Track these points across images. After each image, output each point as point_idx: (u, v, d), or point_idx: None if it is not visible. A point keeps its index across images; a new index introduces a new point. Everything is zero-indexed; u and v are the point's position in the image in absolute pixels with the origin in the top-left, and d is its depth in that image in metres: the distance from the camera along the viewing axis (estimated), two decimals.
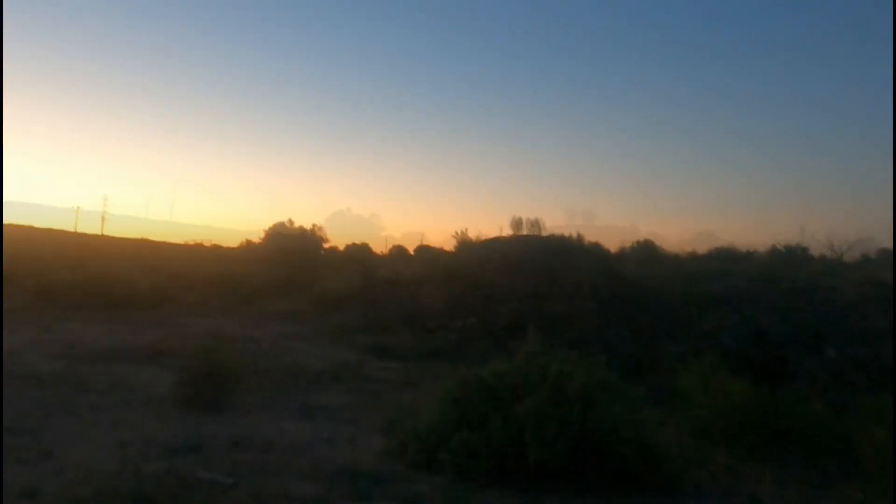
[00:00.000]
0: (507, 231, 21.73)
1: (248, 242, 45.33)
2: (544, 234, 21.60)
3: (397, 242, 47.37)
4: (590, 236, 30.41)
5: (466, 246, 22.81)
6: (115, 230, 68.81)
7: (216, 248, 50.60)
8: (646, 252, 37.26)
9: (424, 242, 43.67)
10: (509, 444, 5.92)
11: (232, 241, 54.06)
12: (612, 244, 34.51)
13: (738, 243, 38.97)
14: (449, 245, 28.87)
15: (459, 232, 25.10)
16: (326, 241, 43.64)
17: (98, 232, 66.80)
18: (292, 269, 30.34)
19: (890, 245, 31.88)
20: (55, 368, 9.53)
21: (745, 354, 11.64)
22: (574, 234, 27.40)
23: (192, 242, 53.51)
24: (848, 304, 16.08)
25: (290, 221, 42.37)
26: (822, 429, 7.53)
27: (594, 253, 26.21)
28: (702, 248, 34.46)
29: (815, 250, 33.31)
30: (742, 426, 7.80)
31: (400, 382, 10.60)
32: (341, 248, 46.17)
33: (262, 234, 42.57)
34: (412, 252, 43.47)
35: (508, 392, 6.42)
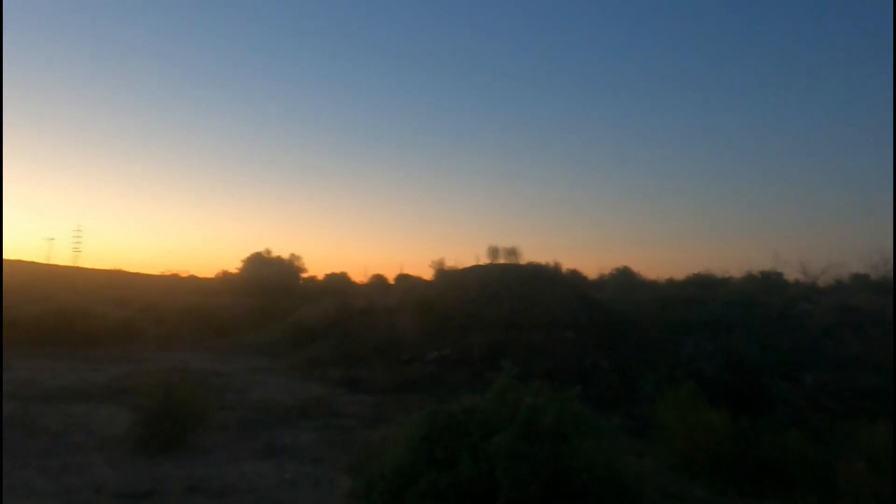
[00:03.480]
0: (484, 260, 21.58)
1: (225, 273, 44.64)
2: (521, 262, 21.48)
3: (375, 272, 46.94)
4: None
5: (443, 275, 22.60)
6: (87, 261, 67.63)
7: (192, 279, 49.78)
8: (623, 279, 37.34)
9: (404, 271, 43.35)
10: (479, 484, 5.64)
11: (208, 272, 53.35)
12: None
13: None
14: (428, 274, 28.68)
15: (436, 261, 24.95)
16: (305, 270, 43.16)
17: (71, 263, 65.57)
18: (269, 299, 29.88)
19: (862, 270, 32.22)
20: (6, 410, 9.07)
21: (723, 382, 11.47)
22: (551, 262, 27.40)
23: (168, 273, 52.65)
24: (823, 329, 16.07)
25: (268, 251, 41.87)
26: (800, 459, 7.36)
27: (571, 280, 26.17)
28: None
29: (789, 276, 33.59)
30: (720, 459, 7.61)
31: (372, 417, 10.25)
32: (320, 277, 45.73)
33: (240, 264, 41.95)
34: (392, 281, 43.17)
35: (479, 428, 6.15)
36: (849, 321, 16.19)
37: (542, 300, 15.55)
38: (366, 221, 78.13)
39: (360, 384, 12.82)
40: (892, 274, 31.40)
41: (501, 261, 21.32)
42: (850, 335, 15.07)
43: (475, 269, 20.09)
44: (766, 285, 33.10)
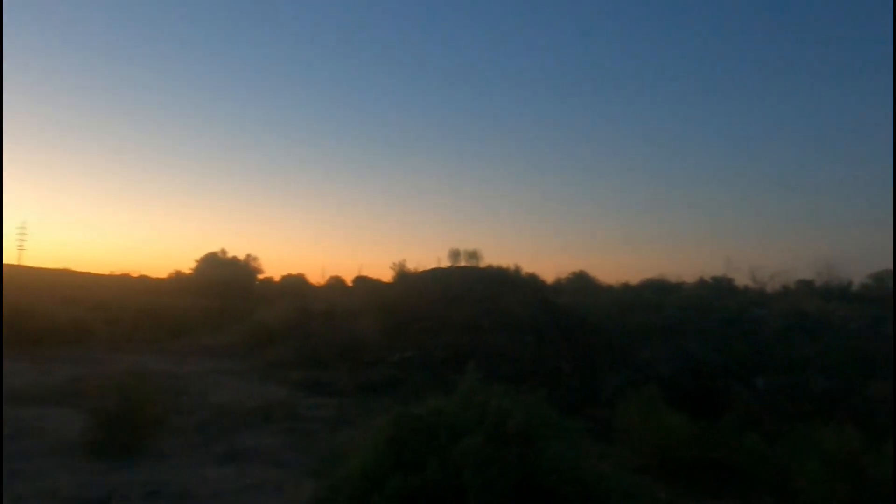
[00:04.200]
0: (446, 262, 21.59)
1: (178, 273, 43.60)
2: (482, 265, 21.56)
3: (332, 274, 46.46)
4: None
5: (405, 277, 22.54)
6: (33, 260, 65.37)
7: (144, 279, 48.50)
8: (581, 283, 37.88)
9: (363, 273, 43.02)
10: (447, 488, 5.63)
11: (161, 272, 52.06)
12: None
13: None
14: (387, 276, 28.57)
15: (397, 263, 24.85)
16: (262, 271, 42.48)
17: (15, 261, 63.21)
18: (225, 300, 29.32)
19: (808, 276, 33.37)
20: None
21: (681, 385, 11.74)
22: (512, 266, 27.58)
23: (118, 272, 51.20)
24: (774, 333, 16.58)
25: (224, 251, 41.09)
26: (758, 460, 7.56)
27: (531, 284, 26.38)
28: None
29: (740, 281, 34.57)
30: (682, 460, 7.77)
31: (335, 420, 10.14)
32: (277, 278, 45.09)
33: (194, 264, 41.04)
34: (350, 283, 42.82)
35: (446, 431, 6.14)
36: (799, 326, 16.75)
37: (504, 303, 15.66)
38: (323, 222, 77.18)
39: (322, 386, 12.69)
40: (836, 281, 32.68)
41: (463, 263, 21.37)
42: (800, 339, 15.57)
43: (437, 272, 20.11)
44: (718, 290, 34.00)
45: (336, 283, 44.29)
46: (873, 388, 12.21)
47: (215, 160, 76.37)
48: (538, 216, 73.51)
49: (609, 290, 35.32)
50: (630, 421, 8.35)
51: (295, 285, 42.17)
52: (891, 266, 33.41)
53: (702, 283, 36.35)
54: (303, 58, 77.32)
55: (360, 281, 40.89)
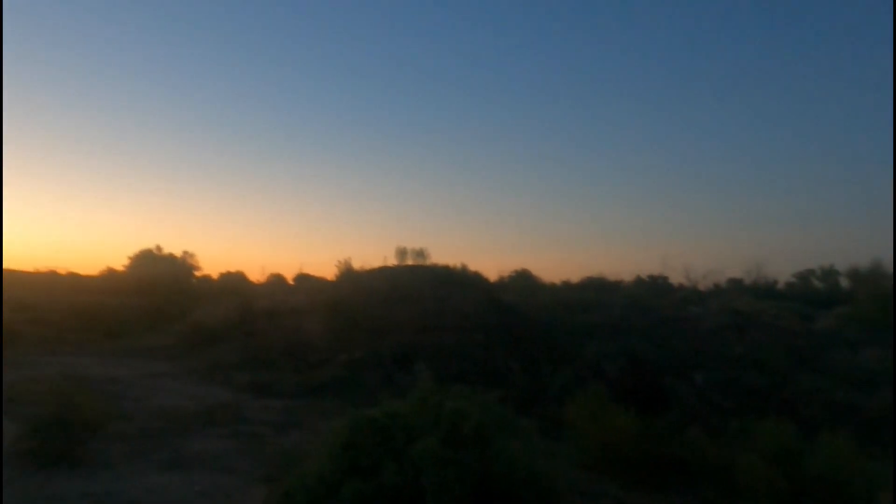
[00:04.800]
0: (392, 261, 21.47)
1: (110, 270, 41.83)
2: (429, 263, 21.56)
3: (271, 272, 45.53)
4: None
5: (350, 276, 22.29)
6: None
7: (73, 277, 46.26)
8: (524, 281, 38.32)
9: (304, 271, 42.34)
10: (404, 491, 5.60)
11: (91, 269, 49.78)
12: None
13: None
14: (330, 274, 28.21)
15: (343, 261, 24.54)
16: (199, 268, 41.24)
17: None
18: (160, 299, 28.31)
19: (738, 275, 34.84)
20: None
21: (624, 382, 12.03)
22: (458, 264, 27.68)
23: (44, 269, 48.68)
24: (710, 331, 17.20)
25: (159, 248, 39.69)
26: (701, 455, 7.81)
27: (478, 282, 26.54)
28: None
29: (675, 280, 35.77)
30: (627, 456, 7.95)
31: (283, 423, 9.94)
32: (215, 276, 43.88)
33: (126, 261, 39.48)
34: (291, 281, 42.08)
35: (402, 433, 6.11)
36: (733, 323, 17.43)
37: (452, 302, 15.69)
38: (263, 218, 75.17)
39: (268, 388, 12.41)
40: (764, 279, 34.27)
41: (410, 262, 21.31)
42: (734, 336, 16.22)
43: (383, 271, 19.98)
44: (655, 289, 35.10)
45: (277, 281, 43.45)
46: (801, 381, 12.83)
47: (149, 152, 73.37)
48: (480, 214, 73.95)
49: (551, 288, 35.89)
50: (578, 419, 8.49)
51: (234, 283, 41.13)
52: (813, 266, 35.31)
53: (639, 282, 37.42)
54: (246, 49, 75.35)
55: (303, 279, 40.25)
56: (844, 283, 31.88)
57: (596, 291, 31.75)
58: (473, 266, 39.79)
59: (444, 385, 7.21)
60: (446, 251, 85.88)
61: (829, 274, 34.68)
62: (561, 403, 9.71)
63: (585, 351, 13.87)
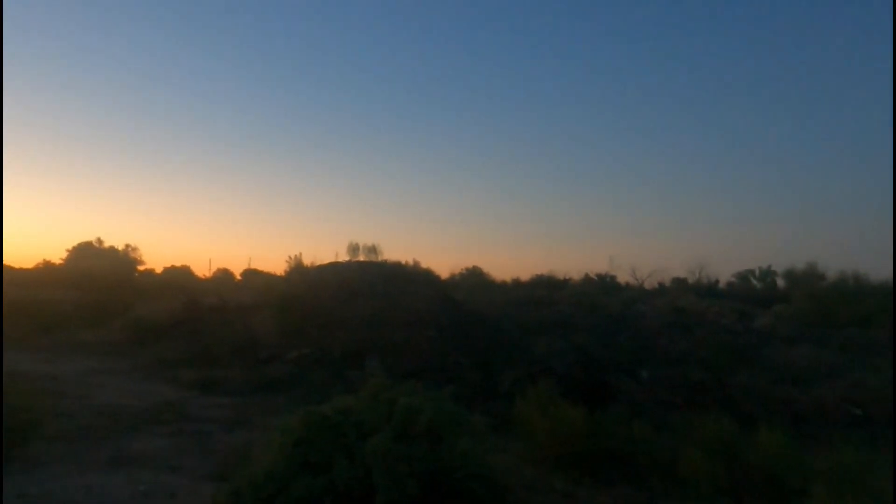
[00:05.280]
0: (343, 256, 21.28)
1: (47, 263, 40.22)
2: (381, 259, 21.46)
3: (218, 267, 44.49)
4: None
5: (300, 271, 22.00)
6: None
7: (7, 269, 44.26)
8: (474, 278, 38.58)
9: (252, 266, 41.59)
10: (356, 487, 5.59)
11: (25, 262, 47.73)
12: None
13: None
14: (280, 269, 27.75)
15: (293, 256, 24.19)
16: (142, 262, 40.08)
17: None
18: (101, 293, 27.38)
19: (681, 274, 35.94)
20: None
21: (572, 378, 12.25)
22: (410, 261, 27.67)
23: None
24: (656, 329, 17.69)
25: (100, 240, 38.39)
26: (646, 448, 8.03)
27: (429, 279, 26.58)
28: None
29: (622, 278, 36.64)
30: (576, 451, 8.12)
31: (230, 420, 9.75)
32: (159, 270, 42.69)
33: (65, 254, 38.08)
34: (239, 276, 41.30)
35: (354, 430, 6.09)
36: (678, 321, 17.97)
37: (403, 299, 15.68)
38: (210, 212, 73.29)
39: (215, 385, 12.14)
40: (706, 278, 35.42)
41: (361, 258, 21.17)
42: (678, 334, 16.72)
43: (335, 266, 19.79)
44: (603, 287, 35.84)
45: (224, 277, 42.58)
46: (741, 377, 13.32)
47: (90, 140, 70.53)
48: (434, 212, 74.04)
49: (502, 286, 36.23)
50: (527, 414, 8.63)
51: (179, 278, 40.09)
52: (752, 266, 36.68)
53: (588, 280, 38.12)
54: (194, 37, 73.35)
55: (251, 274, 39.55)
56: (781, 283, 33.19)
57: (546, 289, 32.20)
58: (425, 263, 39.84)
59: (395, 381, 7.23)
60: (399, 248, 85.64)
61: (767, 274, 36.10)
62: (511, 400, 9.82)
63: (535, 348, 14.06)
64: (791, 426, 10.85)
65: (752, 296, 32.51)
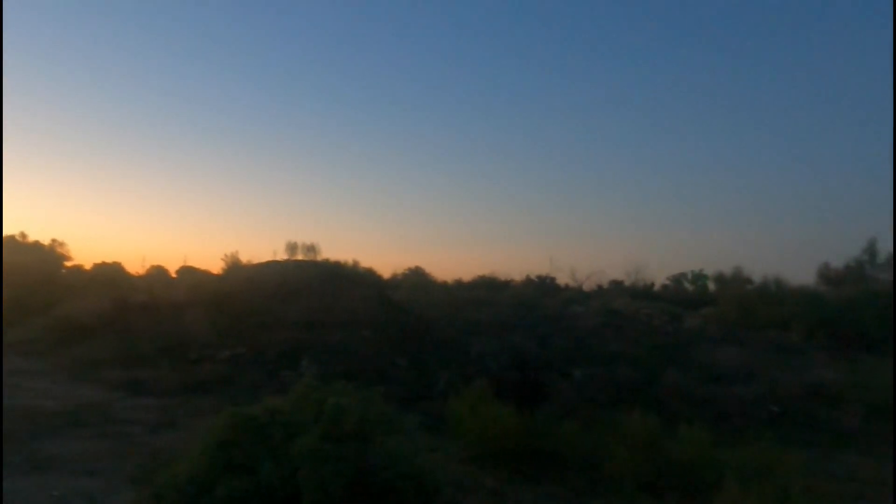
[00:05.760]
0: (282, 255, 20.97)
1: None
2: (320, 259, 21.25)
3: (152, 264, 42.99)
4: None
5: (237, 269, 21.56)
6: None
7: None
8: (416, 278, 38.59)
9: (189, 263, 40.38)
10: (282, 488, 5.54)
11: None
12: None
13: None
14: (217, 267, 27.11)
15: (229, 254, 23.65)
16: (70, 258, 38.37)
17: None
18: (24, 290, 26.12)
19: (619, 277, 36.91)
20: None
21: (508, 378, 12.43)
22: (350, 260, 27.50)
23: None
24: (590, 329, 18.12)
25: (23, 234, 36.58)
26: (573, 446, 8.24)
27: (369, 279, 26.49)
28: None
29: (562, 280, 37.33)
30: (506, 449, 8.26)
31: (157, 423, 9.48)
32: (88, 266, 40.95)
33: None
34: (174, 274, 40.05)
35: (281, 430, 6.03)
36: (611, 322, 18.46)
37: (341, 299, 15.56)
38: (145, 207, 70.68)
39: (142, 386, 11.77)
40: (643, 281, 36.50)
41: (300, 257, 20.90)
42: (611, 334, 17.18)
43: (272, 265, 19.47)
44: (543, 288, 36.44)
45: (158, 274, 41.19)
46: (668, 376, 13.79)
47: (16, 131, 67.04)
48: (376, 210, 73.53)
49: (443, 286, 36.34)
50: (460, 413, 8.72)
51: (109, 274, 38.55)
52: (686, 269, 38.02)
53: (528, 282, 38.68)
54: (131, 33, 70.66)
55: (187, 272, 38.41)
56: (712, 286, 34.46)
57: (486, 290, 32.51)
58: (368, 263, 39.56)
59: (329, 382, 7.19)
60: (343, 248, 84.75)
61: (699, 278, 37.47)
62: (446, 400, 9.90)
63: (472, 348, 14.20)
64: (714, 423, 11.32)
65: (685, 298, 33.70)
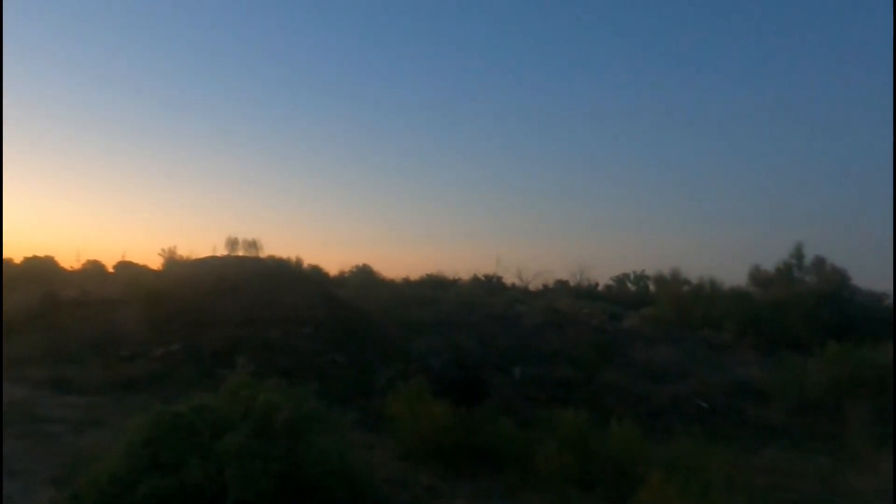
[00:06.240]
0: (222, 250, 20.54)
1: None
2: (262, 255, 20.91)
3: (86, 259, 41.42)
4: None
5: (175, 264, 21.03)
6: None
7: None
8: (364, 276, 38.37)
9: (127, 258, 39.09)
10: (208, 486, 5.45)
11: None
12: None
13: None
14: (155, 263, 26.32)
15: (167, 249, 23.01)
16: None
17: None
18: None
19: (563, 276, 37.58)
20: None
21: (449, 376, 12.51)
22: (293, 257, 27.14)
23: None
24: (532, 328, 18.39)
25: None
26: (509, 443, 8.36)
27: (313, 276, 26.23)
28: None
29: (508, 280, 37.76)
30: (442, 446, 8.34)
31: (83, 421, 9.16)
32: (18, 260, 39.20)
33: None
34: (111, 269, 38.71)
35: (209, 428, 5.92)
36: (552, 321, 18.79)
37: (282, 296, 15.36)
38: (82, 200, 67.97)
39: (70, 384, 11.34)
40: (587, 281, 37.26)
41: (241, 253, 20.50)
42: (552, 333, 17.48)
43: (211, 261, 19.04)
44: (489, 287, 36.78)
45: (94, 269, 39.74)
46: (606, 374, 14.13)
47: None
48: (328, 208, 72.66)
49: (390, 284, 36.24)
50: (397, 410, 8.76)
51: (41, 269, 36.99)
52: (629, 270, 39.03)
53: (475, 281, 38.97)
54: (62, 15, 67.75)
55: (124, 267, 37.17)
56: (652, 287, 35.44)
57: (433, 288, 32.58)
58: (316, 261, 39.05)
59: (265, 379, 7.11)
60: (294, 246, 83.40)
61: (640, 278, 38.53)
62: (385, 397, 9.91)
63: (414, 346, 14.22)
64: (647, 419, 11.67)
65: (627, 298, 34.62)
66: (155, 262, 24.53)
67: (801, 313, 19.31)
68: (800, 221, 53.16)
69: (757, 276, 23.46)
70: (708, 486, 6.21)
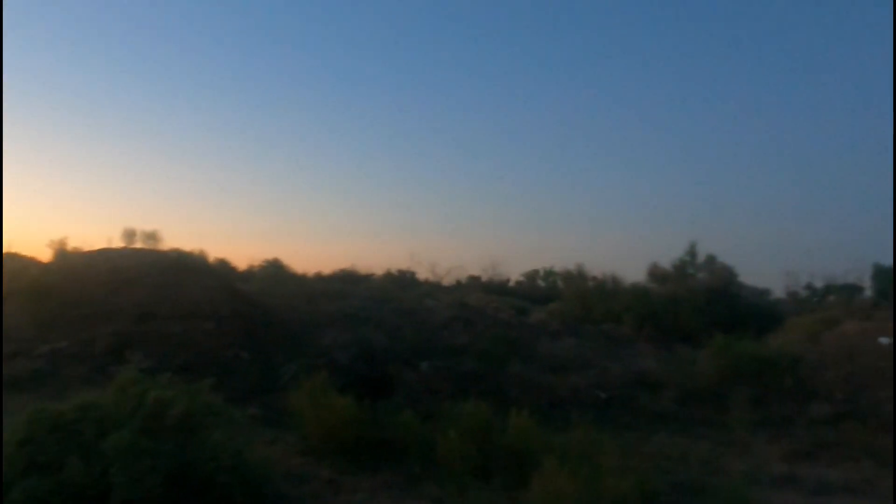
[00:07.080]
0: (118, 242, 19.50)
1: None
2: (162, 247, 20.04)
3: None
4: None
5: (66, 257, 19.79)
6: None
7: None
8: (273, 271, 37.46)
9: (13, 250, 36.40)
10: (91, 487, 5.20)
11: None
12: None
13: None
14: (44, 255, 24.65)
15: (56, 240, 21.61)
16: None
17: None
18: None
19: (475, 272, 38.17)
20: None
21: (356, 370, 12.47)
22: (197, 250, 26.17)
23: None
24: (441, 323, 18.57)
25: None
26: (412, 435, 8.44)
27: (218, 270, 25.39)
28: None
29: (421, 275, 37.96)
30: (344, 440, 8.32)
31: None
32: None
33: None
34: None
35: (94, 427, 5.66)
36: (461, 316, 19.05)
37: (182, 289, 14.75)
38: None
39: None
40: (499, 277, 37.99)
41: (139, 245, 19.56)
42: (460, 327, 17.72)
43: (106, 253, 18.03)
44: (402, 282, 36.84)
45: None
46: (512, 367, 14.48)
47: None
48: (238, 202, 70.48)
49: (301, 279, 35.56)
50: (299, 405, 8.66)
51: None
52: (539, 266, 40.16)
53: (388, 276, 38.92)
54: None
55: (10, 259, 34.58)
56: (561, 283, 36.58)
57: (344, 283, 32.26)
58: (224, 254, 37.77)
59: (164, 375, 6.86)
60: (203, 239, 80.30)
61: (550, 274, 39.75)
62: (288, 392, 9.76)
63: (321, 340, 14.06)
64: (548, 410, 12.06)
65: (537, 294, 35.62)
66: (44, 255, 22.96)
67: (693, 308, 20.52)
68: (694, 222, 56.46)
69: (655, 273, 24.71)
70: (598, 470, 6.51)
